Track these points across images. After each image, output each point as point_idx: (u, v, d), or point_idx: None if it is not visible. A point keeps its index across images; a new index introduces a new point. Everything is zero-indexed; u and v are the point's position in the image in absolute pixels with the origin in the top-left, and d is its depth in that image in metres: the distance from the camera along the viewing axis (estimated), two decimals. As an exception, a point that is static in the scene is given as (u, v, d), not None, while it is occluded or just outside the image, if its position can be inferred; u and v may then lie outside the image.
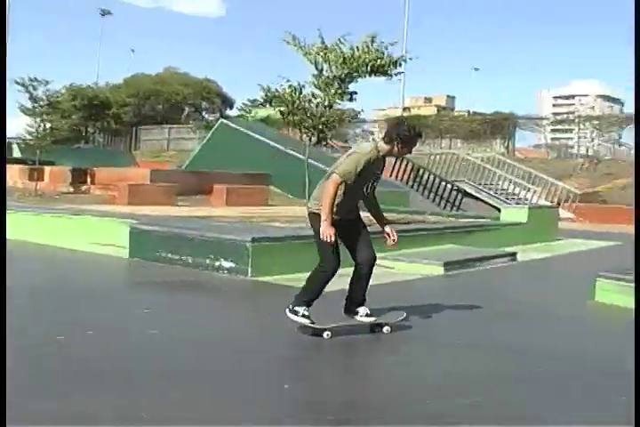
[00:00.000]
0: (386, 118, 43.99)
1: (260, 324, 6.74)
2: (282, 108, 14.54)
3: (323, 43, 13.57)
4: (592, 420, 4.21)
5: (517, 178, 26.92)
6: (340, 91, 13.75)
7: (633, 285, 8.06)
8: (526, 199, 25.02)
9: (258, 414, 4.11)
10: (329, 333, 6.00)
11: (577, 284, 9.16)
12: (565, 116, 55.64)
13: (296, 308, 6.10)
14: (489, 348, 5.99)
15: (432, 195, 25.37)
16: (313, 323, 6.05)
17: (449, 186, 25.22)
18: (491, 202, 24.82)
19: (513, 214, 15.52)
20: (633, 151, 38.63)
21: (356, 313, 6.28)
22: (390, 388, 4.81)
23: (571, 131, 44.31)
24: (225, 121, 28.28)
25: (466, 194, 25.43)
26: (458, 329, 6.70)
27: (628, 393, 4.59)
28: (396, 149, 6.14)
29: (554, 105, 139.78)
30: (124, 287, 8.95)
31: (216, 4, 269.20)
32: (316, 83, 13.91)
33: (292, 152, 21.27)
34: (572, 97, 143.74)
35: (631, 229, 20.58)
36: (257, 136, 25.38)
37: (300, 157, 15.44)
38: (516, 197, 25.67)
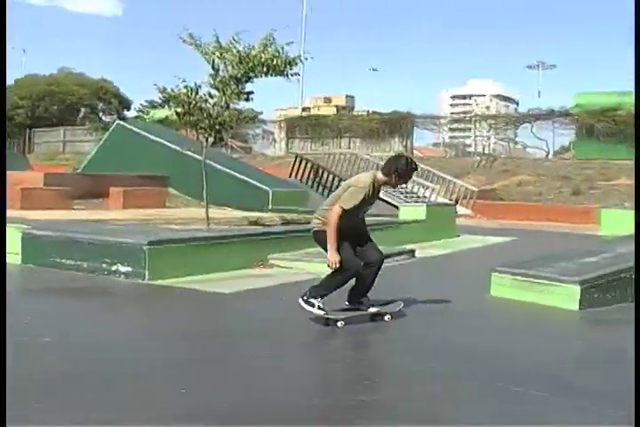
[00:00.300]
0: (286, 118, 43.97)
1: (155, 328, 6.60)
2: (178, 109, 14.35)
3: (218, 42, 13.44)
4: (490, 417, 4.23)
5: (416, 176, 27.19)
6: (236, 91, 13.63)
7: (526, 279, 8.24)
8: (425, 197, 25.30)
9: (156, 417, 4.02)
10: (342, 322, 6.57)
11: (474, 279, 9.27)
12: (462, 115, 56.64)
13: (311, 300, 6.64)
14: (384, 344, 5.99)
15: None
16: (327, 314, 6.61)
17: (348, 185, 25.29)
18: (390, 200, 24.98)
19: (411, 212, 15.67)
20: (528, 149, 39.74)
21: (361, 304, 6.91)
22: (271, 389, 4.75)
23: (468, 130, 45.11)
24: (121, 122, 27.81)
25: (366, 193, 25.55)
26: (355, 326, 6.68)
27: (522, 384, 4.65)
28: (393, 180, 6.80)
29: (451, 105, 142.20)
30: (15, 295, 8.63)
31: (112, 3, 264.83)
32: (212, 83, 13.76)
33: (189, 153, 21.01)
34: (469, 97, 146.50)
35: (527, 224, 21.17)
36: (154, 137, 25.02)
37: (198, 157, 15.24)
38: (415, 195, 25.91)
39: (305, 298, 6.67)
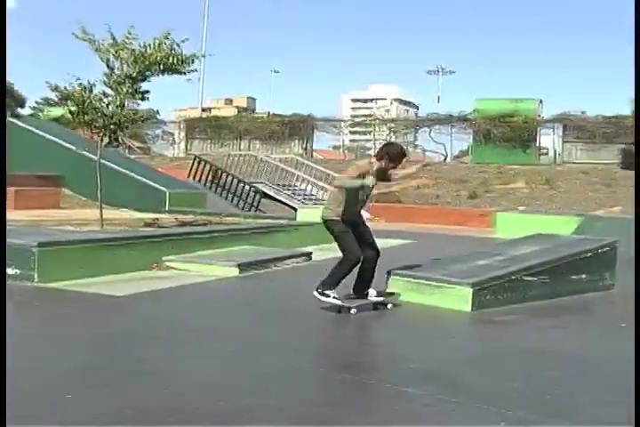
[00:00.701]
0: (185, 119, 43.51)
1: (42, 332, 6.41)
2: (72, 108, 14.06)
3: (113, 39, 13.21)
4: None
5: (315, 179, 27.30)
6: (131, 90, 13.43)
7: (420, 281, 8.33)
8: (324, 200, 25.40)
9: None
10: (355, 309, 7.45)
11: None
12: (363, 118, 57.12)
13: (326, 291, 7.42)
14: (266, 347, 5.96)
15: (230, 196, 25.26)
16: (342, 302, 7.46)
17: (247, 187, 25.20)
18: (289, 203, 25.03)
19: (309, 214, 15.70)
20: (427, 153, 40.29)
21: (367, 294, 7.75)
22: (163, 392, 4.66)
23: (368, 133, 45.47)
24: (13, 120, 27.02)
25: (265, 195, 25.52)
26: (238, 330, 6.66)
27: (412, 385, 4.68)
28: (384, 163, 7.52)
29: (353, 108, 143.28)
30: None
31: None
32: (107, 81, 13.53)
33: (85, 153, 20.56)
34: (371, 100, 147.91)
35: (426, 227, 21.42)
36: (48, 136, 24.40)
37: (94, 157, 14.93)
38: (314, 197, 26.01)
39: (320, 291, 7.43)
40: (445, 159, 37.43)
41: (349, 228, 7.47)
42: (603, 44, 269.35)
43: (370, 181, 7.26)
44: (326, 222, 7.60)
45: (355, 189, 7.36)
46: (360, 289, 7.73)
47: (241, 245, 12.06)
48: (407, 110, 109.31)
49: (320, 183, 26.59)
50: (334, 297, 7.41)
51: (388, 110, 44.46)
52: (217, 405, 4.37)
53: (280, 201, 25.85)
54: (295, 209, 19.69)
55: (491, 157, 32.49)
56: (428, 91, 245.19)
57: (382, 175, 7.65)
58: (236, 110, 70.47)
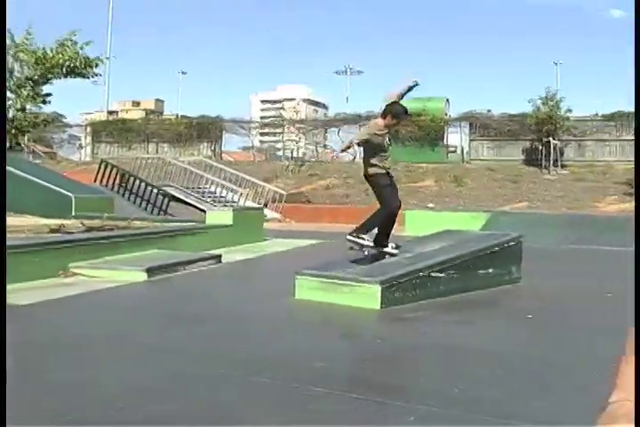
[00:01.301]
0: (91, 122, 42.80)
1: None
2: (-32, 111, 13.66)
3: (13, 41, 12.88)
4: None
5: (225, 181, 27.18)
6: (32, 93, 13.13)
7: (329, 280, 8.34)
8: (234, 202, 25.32)
9: None
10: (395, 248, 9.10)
11: (279, 282, 9.27)
12: (272, 119, 57.05)
13: (361, 235, 8.72)
14: (176, 351, 5.88)
15: (139, 200, 24.90)
16: (371, 245, 8.87)
17: (156, 191, 24.88)
18: (198, 205, 24.85)
19: (219, 217, 15.59)
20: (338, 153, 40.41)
21: (386, 246, 9.01)
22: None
23: (278, 134, 45.47)
24: None
25: (174, 198, 25.25)
26: (147, 335, 6.55)
27: (321, 384, 4.66)
28: (388, 119, 8.62)
29: (262, 109, 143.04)
30: None
31: None
32: (7, 84, 13.18)
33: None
34: (280, 101, 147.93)
35: (336, 227, 21.51)
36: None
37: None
38: (224, 199, 25.88)
39: (355, 235, 8.70)
40: (354, 159, 37.65)
41: (390, 181, 8.79)
42: (509, 45, 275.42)
43: (380, 134, 8.58)
44: (373, 177, 8.74)
45: (375, 144, 8.60)
46: (381, 240, 8.96)
47: (149, 249, 11.90)
48: (317, 111, 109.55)
49: (229, 185, 26.50)
50: (367, 240, 8.74)
51: (297, 111, 44.37)
52: (121, 411, 4.29)
53: (189, 204, 25.63)
54: (205, 211, 19.48)
55: (400, 156, 32.71)
56: (337, 91, 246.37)
57: (389, 130, 8.82)
58: (144, 113, 69.53)
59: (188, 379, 5.04)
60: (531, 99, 32.66)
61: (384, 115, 8.67)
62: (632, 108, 32.86)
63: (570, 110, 32.39)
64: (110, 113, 53.93)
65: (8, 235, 12.78)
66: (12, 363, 5.47)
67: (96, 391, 4.73)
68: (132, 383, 4.95)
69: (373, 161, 8.69)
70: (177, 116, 47.76)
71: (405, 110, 8.72)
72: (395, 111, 8.62)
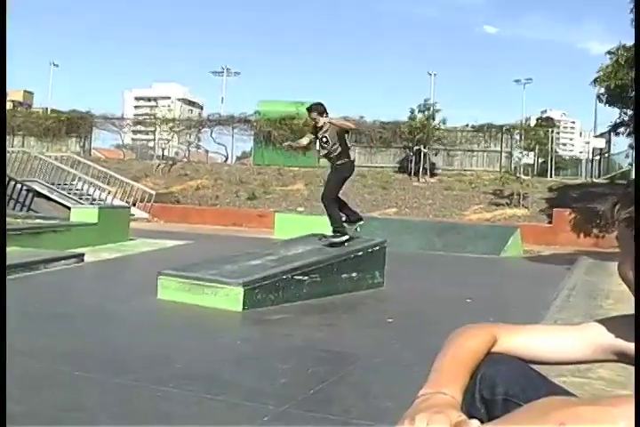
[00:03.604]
0: None
1: None
2: None
3: None
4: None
5: (93, 178, 26.59)
6: None
7: (191, 281, 8.27)
8: (102, 200, 24.81)
9: None
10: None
11: (143, 283, 9.17)
12: (145, 117, 56.20)
13: (340, 230, 10.01)
14: (36, 352, 5.71)
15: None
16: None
17: (19, 186, 24.08)
18: (63, 202, 24.21)
19: (83, 215, 15.27)
20: (210, 154, 40.21)
21: (357, 213, 10.86)
22: None
23: (151, 132, 44.80)
24: None
25: (38, 194, 24.52)
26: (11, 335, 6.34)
27: (178, 385, 4.61)
28: (325, 116, 9.83)
29: (136, 106, 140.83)
30: None
31: None
32: None
33: None
34: (154, 99, 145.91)
35: (204, 228, 21.38)
36: None
37: None
38: (90, 197, 25.33)
39: (337, 235, 9.93)
40: (226, 160, 37.50)
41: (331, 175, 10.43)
42: (383, 53, 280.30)
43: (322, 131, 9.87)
44: (344, 165, 10.21)
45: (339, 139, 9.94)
46: (349, 214, 10.44)
47: (9, 246, 11.50)
48: (192, 110, 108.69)
49: (97, 183, 25.97)
50: (343, 235, 9.91)
51: (170, 110, 43.76)
52: None
53: (54, 200, 24.94)
54: (70, 209, 19.00)
55: (271, 159, 32.83)
56: (213, 91, 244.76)
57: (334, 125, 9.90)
58: (12, 104, 67.24)
59: (34, 380, 4.89)
60: (411, 108, 33.22)
61: (321, 114, 9.87)
62: (501, 122, 34.11)
63: (444, 122, 33.10)
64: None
65: None
66: None
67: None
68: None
69: (342, 153, 10.25)
70: (46, 109, 46.36)
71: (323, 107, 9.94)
72: (322, 108, 9.96)
